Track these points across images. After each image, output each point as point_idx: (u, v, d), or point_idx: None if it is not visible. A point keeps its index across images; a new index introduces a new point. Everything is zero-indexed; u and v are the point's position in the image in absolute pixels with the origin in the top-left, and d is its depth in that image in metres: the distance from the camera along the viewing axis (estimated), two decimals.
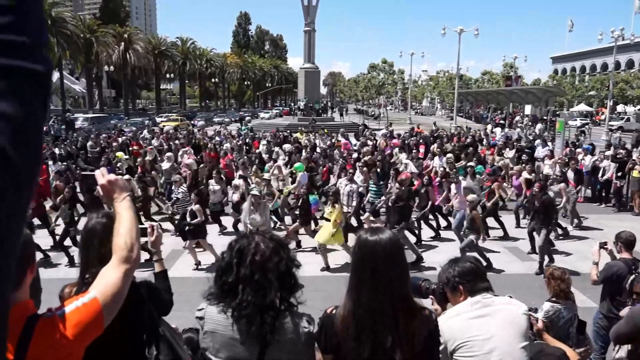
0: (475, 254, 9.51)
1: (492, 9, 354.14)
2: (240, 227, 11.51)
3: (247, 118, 56.94)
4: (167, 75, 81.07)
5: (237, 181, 12.86)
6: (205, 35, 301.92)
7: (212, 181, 12.94)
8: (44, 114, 0.80)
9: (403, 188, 10.37)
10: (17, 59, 0.74)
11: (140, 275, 2.51)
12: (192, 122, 51.60)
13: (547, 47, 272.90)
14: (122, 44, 64.89)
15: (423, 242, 11.45)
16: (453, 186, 11.50)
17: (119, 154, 18.10)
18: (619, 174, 15.05)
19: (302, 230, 11.04)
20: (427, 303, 2.73)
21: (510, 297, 2.78)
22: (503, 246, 11.17)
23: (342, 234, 9.98)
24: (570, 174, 14.07)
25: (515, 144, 20.67)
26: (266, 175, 13.27)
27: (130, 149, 20.75)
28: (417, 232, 11.48)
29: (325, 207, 10.25)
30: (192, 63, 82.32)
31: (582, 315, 5.88)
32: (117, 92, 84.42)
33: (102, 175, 2.07)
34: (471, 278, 2.64)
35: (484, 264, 9.48)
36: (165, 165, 15.10)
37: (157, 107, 78.77)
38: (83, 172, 10.23)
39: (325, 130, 30.45)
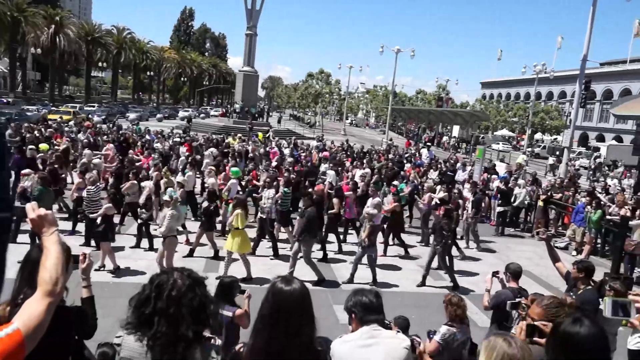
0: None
1: (429, 30, 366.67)
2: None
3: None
4: (100, 64, 77.92)
5: (147, 183, 12.62)
6: (144, 26, 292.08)
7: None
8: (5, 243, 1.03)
9: (308, 199, 10.70)
10: None
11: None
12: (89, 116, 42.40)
13: (478, 72, 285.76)
14: (53, 26, 61.87)
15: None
16: (369, 200, 11.91)
17: (43, 146, 17.42)
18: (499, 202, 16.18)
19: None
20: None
21: (398, 331, 3.17)
22: (417, 264, 11.77)
23: (248, 242, 10.11)
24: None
25: (439, 165, 21.71)
26: (179, 179, 13.18)
27: (54, 141, 19.94)
28: (325, 247, 11.79)
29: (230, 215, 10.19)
30: (127, 53, 79.60)
31: (481, 334, 6.45)
32: (43, 75, 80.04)
33: (32, 210, 2.15)
34: (361, 309, 2.98)
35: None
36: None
37: (86, 95, 75.36)
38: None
39: (267, 135, 31.02)
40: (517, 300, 4.62)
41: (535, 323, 3.13)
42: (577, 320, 2.23)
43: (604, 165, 38.89)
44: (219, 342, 2.53)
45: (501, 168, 23.20)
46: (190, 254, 11.05)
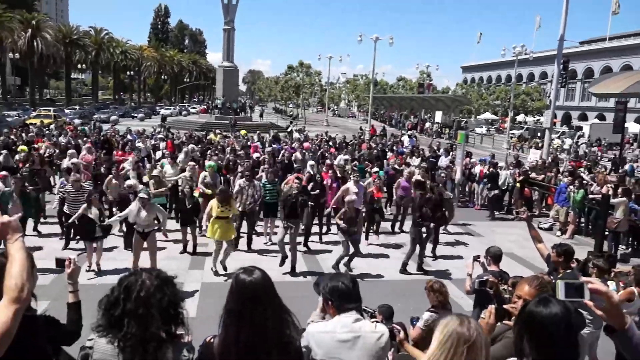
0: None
1: (407, 17, 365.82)
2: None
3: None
4: (79, 66, 77.05)
5: (130, 181, 12.40)
6: (122, 26, 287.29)
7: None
8: None
9: (291, 186, 10.67)
10: None
11: None
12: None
13: (458, 56, 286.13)
14: (30, 30, 61.14)
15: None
16: (352, 185, 11.89)
17: (23, 147, 17.30)
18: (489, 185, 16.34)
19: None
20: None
21: (378, 321, 3.15)
22: (401, 252, 11.76)
23: (231, 230, 10.17)
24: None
25: (421, 152, 21.75)
26: (155, 172, 13.19)
27: (35, 145, 19.69)
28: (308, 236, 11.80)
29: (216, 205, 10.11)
30: (106, 54, 78.78)
31: None
32: (23, 80, 79.04)
33: None
34: (337, 297, 2.91)
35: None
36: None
37: (67, 98, 74.61)
38: None
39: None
40: (485, 278, 4.68)
41: (505, 306, 3.17)
42: (542, 300, 2.26)
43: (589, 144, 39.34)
44: (188, 338, 2.53)
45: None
46: (194, 250, 11.16)
